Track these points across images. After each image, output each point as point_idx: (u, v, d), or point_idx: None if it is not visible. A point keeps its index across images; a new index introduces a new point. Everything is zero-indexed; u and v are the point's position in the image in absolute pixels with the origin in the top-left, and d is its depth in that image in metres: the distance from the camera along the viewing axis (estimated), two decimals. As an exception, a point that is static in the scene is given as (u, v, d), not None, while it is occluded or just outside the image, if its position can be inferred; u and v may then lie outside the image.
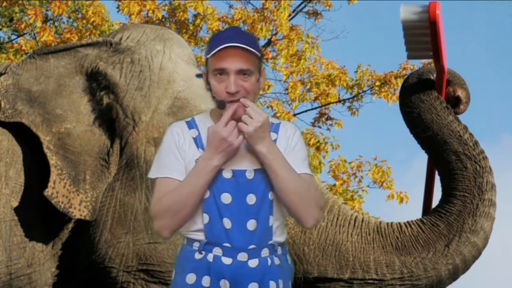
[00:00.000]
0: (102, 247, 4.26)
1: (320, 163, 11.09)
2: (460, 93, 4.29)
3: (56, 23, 13.77)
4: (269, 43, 12.17)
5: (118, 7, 11.73)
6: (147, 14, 11.77)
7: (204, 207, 2.81)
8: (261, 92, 11.72)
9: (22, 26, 11.97)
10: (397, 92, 9.14)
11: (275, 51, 12.12)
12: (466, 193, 4.19)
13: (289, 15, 12.28)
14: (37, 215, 4.27)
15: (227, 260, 2.80)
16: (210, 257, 2.81)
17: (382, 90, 12.06)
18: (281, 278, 2.84)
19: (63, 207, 4.17)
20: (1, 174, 4.21)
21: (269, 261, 2.82)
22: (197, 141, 2.86)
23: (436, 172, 4.38)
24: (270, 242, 2.83)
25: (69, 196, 4.19)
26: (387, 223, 4.31)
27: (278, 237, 2.86)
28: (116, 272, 4.27)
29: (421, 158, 4.58)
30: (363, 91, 12.34)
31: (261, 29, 11.62)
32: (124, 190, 4.27)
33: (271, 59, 12.25)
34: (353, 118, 12.52)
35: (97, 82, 4.40)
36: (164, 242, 4.18)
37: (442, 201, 4.27)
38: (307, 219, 2.82)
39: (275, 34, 11.95)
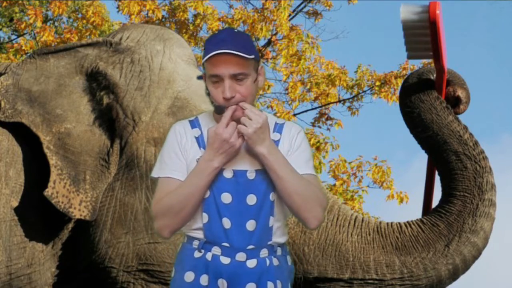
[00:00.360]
0: (102, 247, 4.26)
1: (320, 163, 11.08)
2: (460, 93, 4.29)
3: (56, 23, 13.77)
4: (269, 43, 12.17)
5: (118, 7, 11.74)
6: (147, 14, 11.77)
7: (204, 206, 2.81)
8: (261, 92, 11.73)
9: (22, 26, 11.97)
10: (397, 92, 9.13)
11: (275, 51, 12.12)
12: (466, 193, 4.19)
13: (289, 15, 12.28)
14: (37, 215, 4.26)
15: (225, 260, 2.80)
16: (208, 256, 2.81)
17: (382, 90, 12.05)
18: (279, 279, 2.83)
19: (63, 207, 4.17)
20: (1, 174, 4.21)
21: (268, 262, 2.82)
22: (199, 140, 2.86)
23: (436, 172, 4.37)
24: (269, 242, 2.83)
25: (69, 196, 4.19)
26: (387, 223, 4.31)
27: (278, 238, 2.85)
28: (116, 272, 4.27)
29: (421, 158, 4.57)
30: (363, 91, 12.33)
31: (261, 29, 11.62)
32: (124, 190, 4.26)
33: (271, 59, 12.25)
34: (353, 118, 12.54)
35: (97, 82, 4.40)
36: (164, 242, 4.17)
37: (442, 201, 4.27)
38: (310, 220, 2.82)
39: (275, 34, 11.94)
